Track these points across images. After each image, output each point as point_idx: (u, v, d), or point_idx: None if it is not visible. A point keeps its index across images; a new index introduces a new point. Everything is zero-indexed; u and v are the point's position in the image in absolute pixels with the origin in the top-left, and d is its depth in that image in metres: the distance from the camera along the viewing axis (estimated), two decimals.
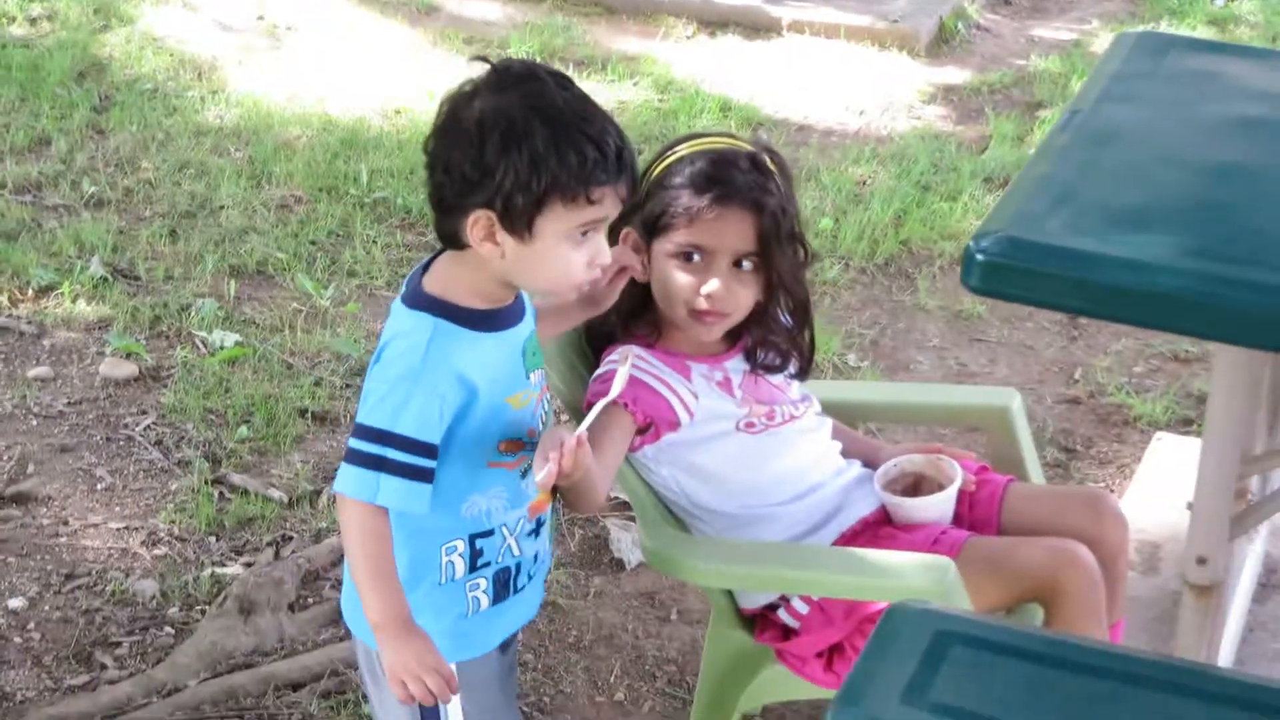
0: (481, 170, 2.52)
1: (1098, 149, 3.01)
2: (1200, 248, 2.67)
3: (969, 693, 2.42)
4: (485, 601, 2.77)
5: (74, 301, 5.30)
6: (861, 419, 3.83)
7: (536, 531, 2.83)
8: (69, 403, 4.80)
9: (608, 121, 2.58)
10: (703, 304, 3.16)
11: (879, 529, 3.31)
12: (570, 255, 2.60)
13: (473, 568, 2.73)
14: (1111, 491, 4.58)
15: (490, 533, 2.74)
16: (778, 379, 3.33)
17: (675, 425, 3.18)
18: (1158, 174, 2.95)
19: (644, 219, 3.16)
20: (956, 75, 7.66)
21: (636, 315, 3.24)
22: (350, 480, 2.57)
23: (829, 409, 3.45)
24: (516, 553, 2.79)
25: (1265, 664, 3.90)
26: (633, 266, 3.11)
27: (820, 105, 7.25)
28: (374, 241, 5.77)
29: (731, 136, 3.28)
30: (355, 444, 2.58)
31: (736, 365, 3.29)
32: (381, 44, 7.75)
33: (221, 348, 5.06)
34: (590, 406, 2.85)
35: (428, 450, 2.58)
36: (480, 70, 2.62)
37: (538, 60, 2.67)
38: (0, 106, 6.73)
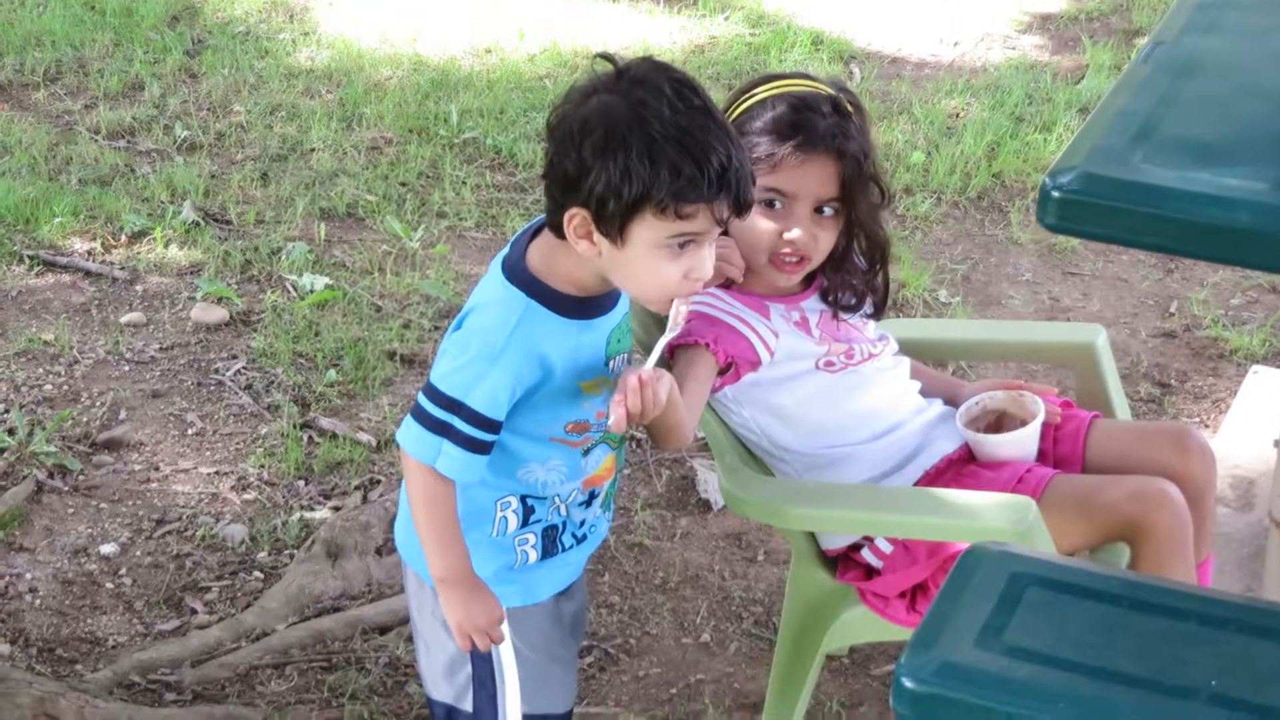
0: (580, 170, 2.53)
1: (1179, 81, 2.94)
2: (1277, 180, 2.61)
3: (1044, 635, 2.40)
4: (534, 555, 2.80)
5: (166, 246, 5.33)
6: (943, 357, 3.81)
7: (589, 502, 2.85)
8: (160, 348, 4.84)
9: (718, 140, 2.54)
10: (785, 250, 3.13)
11: (963, 467, 3.28)
12: (664, 266, 2.58)
13: (524, 523, 2.78)
14: (1206, 427, 4.53)
15: (544, 498, 2.78)
16: (854, 319, 3.31)
17: (756, 364, 3.16)
18: (1240, 106, 2.89)
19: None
20: (1053, 3, 7.55)
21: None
22: (414, 439, 2.62)
23: (909, 348, 3.42)
24: (563, 513, 2.81)
25: None
26: (733, 274, 3.08)
27: (914, 37, 7.17)
28: (463, 182, 5.77)
29: (807, 78, 3.24)
30: (424, 403, 2.61)
31: (813, 305, 3.26)
32: None
33: (311, 291, 5.07)
34: (672, 351, 2.84)
35: (493, 426, 2.61)
36: (604, 69, 2.61)
37: (667, 63, 2.62)
38: (95, 52, 6.76)
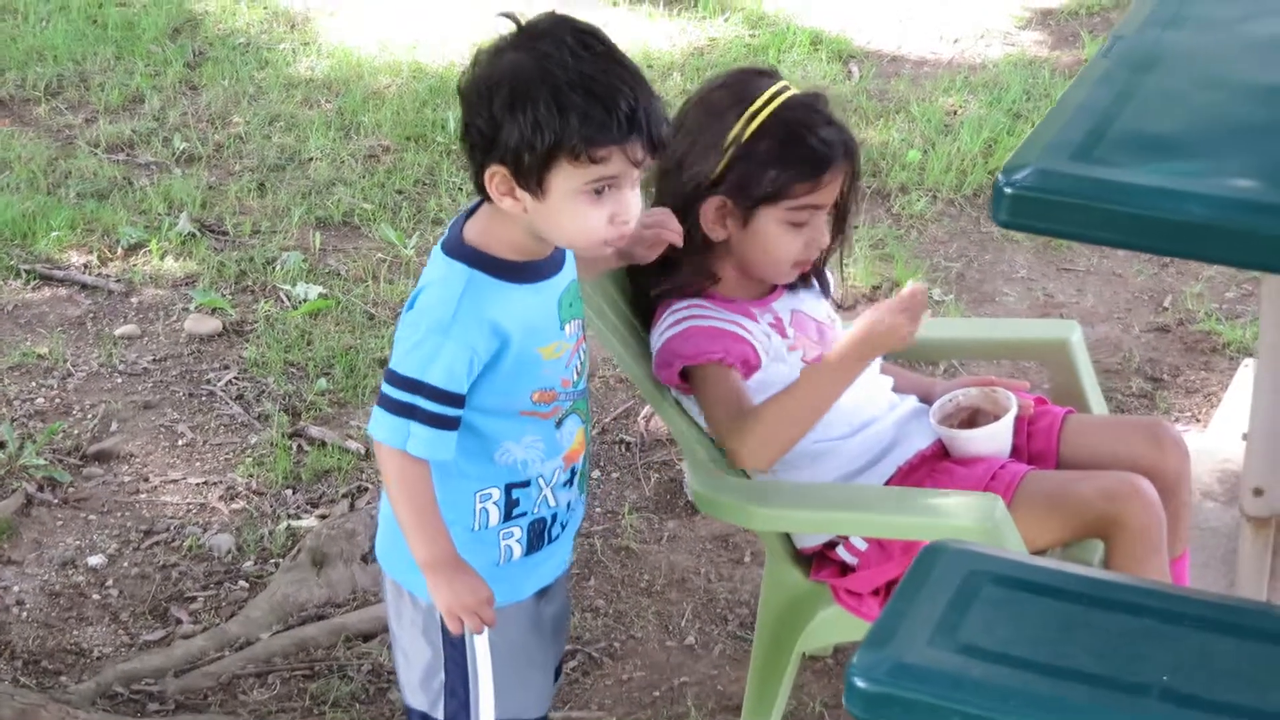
0: (492, 128, 2.56)
1: (1138, 75, 2.94)
2: (1232, 173, 2.60)
3: (1000, 633, 2.40)
4: (518, 550, 2.80)
5: (162, 259, 5.35)
6: (916, 358, 3.81)
7: (571, 481, 2.84)
8: (154, 360, 4.86)
9: (624, 82, 2.58)
10: (805, 258, 3.18)
11: (936, 463, 3.28)
12: (587, 211, 2.60)
13: (507, 516, 2.77)
14: (1198, 421, 4.52)
15: (527, 483, 2.76)
16: (822, 315, 3.32)
17: (756, 367, 3.17)
18: (1197, 99, 2.88)
19: (743, 188, 3.13)
20: (1054, 1, 7.53)
21: (691, 270, 3.21)
22: (383, 426, 2.63)
23: None
24: (552, 503, 2.81)
25: None
26: (672, 239, 3.09)
27: (914, 35, 7.16)
28: (460, 189, 5.78)
29: (766, 73, 3.25)
30: (387, 390, 2.63)
31: (783, 305, 3.28)
32: None
33: (305, 300, 5.09)
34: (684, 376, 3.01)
35: (456, 400, 2.62)
36: (508, 27, 2.63)
37: (568, 15, 2.64)
38: (96, 66, 6.78)
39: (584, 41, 2.58)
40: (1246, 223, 2.52)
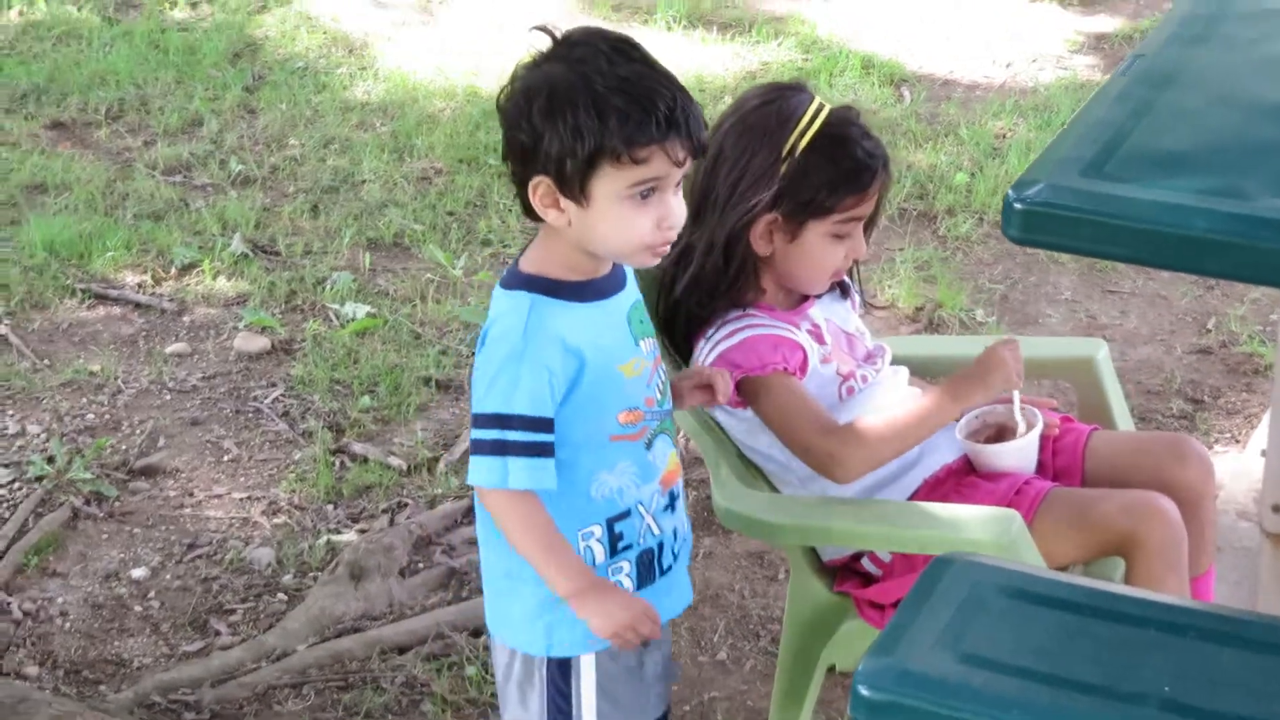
0: (533, 138, 2.56)
1: (1155, 92, 2.96)
2: (1241, 189, 2.62)
3: (1003, 643, 2.43)
4: (629, 585, 2.75)
5: (214, 278, 5.43)
6: (942, 374, 3.81)
7: (671, 505, 2.81)
8: (203, 377, 4.93)
9: (661, 84, 2.58)
10: (843, 267, 3.26)
11: (962, 478, 3.30)
12: (632, 217, 2.60)
13: (613, 552, 2.73)
14: (1237, 442, 4.52)
15: (626, 514, 2.73)
16: (851, 327, 3.36)
17: (806, 370, 3.20)
18: (1212, 116, 2.90)
19: (795, 203, 3.17)
20: (1108, 23, 7.55)
21: (738, 284, 3.25)
22: (481, 471, 2.61)
23: (910, 364, 3.44)
24: (657, 531, 2.77)
25: None
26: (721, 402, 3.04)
27: (966, 59, 7.18)
28: (509, 211, 5.83)
29: (790, 87, 3.28)
30: (477, 434, 2.61)
31: (817, 314, 3.31)
32: (530, 13, 7.78)
33: (353, 319, 5.15)
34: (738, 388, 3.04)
35: (545, 425, 2.60)
36: (544, 41, 2.65)
37: (604, 28, 2.67)
38: (157, 90, 6.88)
39: (619, 49, 2.60)
40: (1251, 238, 2.54)
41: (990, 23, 7.56)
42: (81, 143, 6.47)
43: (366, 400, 4.75)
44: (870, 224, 3.29)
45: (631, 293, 2.77)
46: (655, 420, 2.75)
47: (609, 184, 2.57)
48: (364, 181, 6.09)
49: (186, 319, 5.24)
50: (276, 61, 7.20)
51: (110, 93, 6.81)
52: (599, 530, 2.71)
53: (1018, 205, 2.65)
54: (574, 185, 2.56)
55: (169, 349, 5.07)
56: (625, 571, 2.75)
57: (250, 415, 4.74)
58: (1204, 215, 2.56)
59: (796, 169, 3.17)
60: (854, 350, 3.36)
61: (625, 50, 2.61)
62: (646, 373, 2.74)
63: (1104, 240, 2.65)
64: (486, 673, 3.75)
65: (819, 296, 3.33)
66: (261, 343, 5.06)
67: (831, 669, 3.43)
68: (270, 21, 7.66)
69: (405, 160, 6.26)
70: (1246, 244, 2.53)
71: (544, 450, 2.60)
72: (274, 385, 4.87)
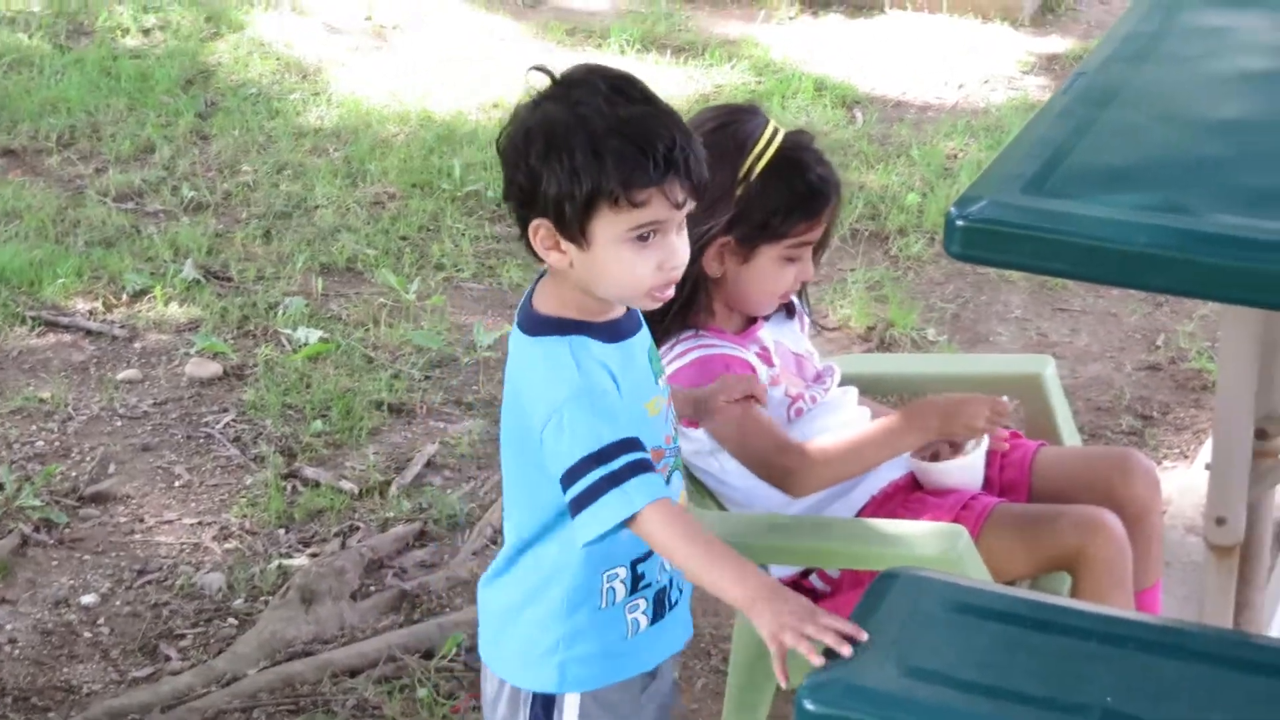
0: (531, 181, 2.52)
1: (1096, 110, 2.98)
2: (1181, 205, 2.64)
3: (947, 656, 2.43)
4: (645, 622, 2.72)
5: (166, 305, 5.42)
6: (892, 392, 3.83)
7: None
8: (154, 403, 4.92)
9: (660, 125, 2.52)
10: (792, 290, 3.27)
11: (909, 494, 3.32)
12: (633, 260, 2.55)
13: (633, 590, 2.70)
14: (1185, 458, 4.54)
15: (649, 554, 2.68)
16: (801, 349, 3.37)
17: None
18: (1153, 132, 2.92)
19: (748, 227, 3.18)
20: (1059, 44, 7.60)
21: (689, 305, 3.25)
22: (604, 514, 2.49)
23: (859, 383, 3.45)
24: (668, 567, 2.73)
25: None
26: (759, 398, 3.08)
27: (918, 81, 7.22)
28: (463, 234, 5.84)
29: (749, 111, 3.29)
30: (579, 486, 2.50)
31: (766, 336, 3.32)
32: (485, 39, 7.83)
33: (305, 344, 5.14)
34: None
35: (637, 444, 2.52)
36: (542, 81, 2.60)
37: (604, 66, 2.63)
38: (109, 117, 6.86)
39: (619, 88, 2.55)
40: (1192, 252, 2.55)
41: (942, 44, 7.60)
42: (32, 170, 6.45)
43: (318, 425, 4.74)
44: (820, 247, 3.30)
45: (646, 334, 2.74)
46: (673, 457, 2.73)
47: (608, 227, 2.52)
48: (317, 207, 6.09)
49: (138, 345, 5.23)
50: (229, 88, 7.20)
51: (61, 120, 6.79)
52: (623, 571, 2.67)
53: (960, 222, 2.68)
54: (573, 228, 2.52)
55: (120, 375, 5.05)
56: (642, 609, 2.72)
57: (201, 441, 4.73)
58: (1145, 230, 2.58)
59: (751, 193, 3.18)
60: (803, 371, 3.38)
61: (625, 90, 2.56)
62: (664, 410, 2.72)
63: (1046, 256, 2.67)
64: (438, 694, 3.75)
65: (767, 318, 3.34)
66: (213, 368, 5.05)
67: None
68: (223, 48, 7.66)
69: (358, 185, 6.26)
70: (1188, 259, 2.54)
71: (649, 466, 2.52)
72: (226, 410, 4.86)
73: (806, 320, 3.46)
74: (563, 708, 2.72)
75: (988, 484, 3.35)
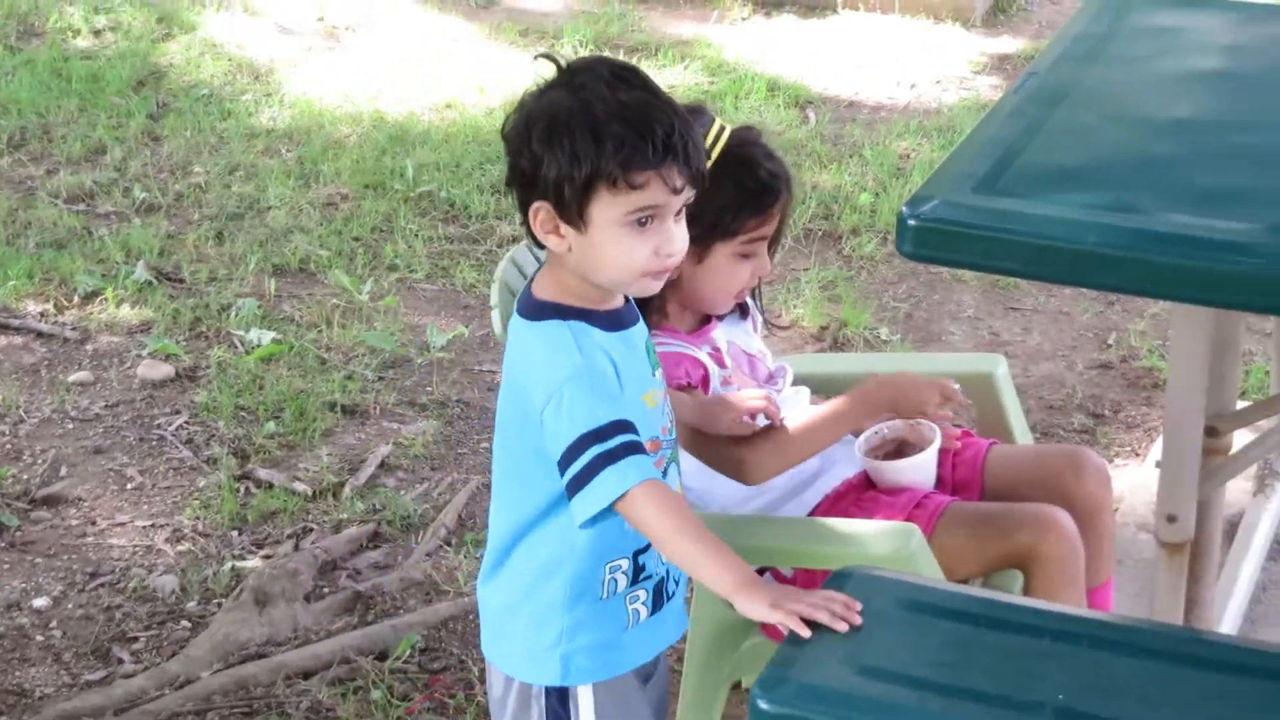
0: (533, 164, 2.55)
1: (1047, 110, 3.00)
2: (1130, 204, 2.66)
3: (901, 655, 2.44)
4: (645, 613, 2.74)
5: (117, 306, 5.40)
6: (842, 391, 3.83)
7: None
8: (106, 405, 4.90)
9: (661, 112, 2.56)
10: (749, 286, 3.26)
11: (862, 493, 3.33)
12: (631, 244, 2.57)
13: (634, 581, 2.71)
14: (1137, 455, 4.57)
15: (649, 545, 2.68)
16: (753, 349, 3.37)
17: (708, 388, 3.21)
18: (1103, 133, 2.94)
19: (704, 225, 3.14)
20: (1011, 44, 7.63)
21: (644, 305, 3.25)
22: (600, 490, 2.51)
23: (811, 383, 3.46)
24: (665, 559, 2.74)
25: (1277, 622, 3.87)
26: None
27: (871, 81, 7.24)
28: (416, 235, 5.83)
29: (691, 109, 3.29)
30: (576, 465, 2.52)
31: (719, 336, 3.32)
32: (438, 40, 7.82)
33: (258, 346, 5.13)
34: None
35: (632, 426, 2.55)
36: (549, 69, 2.63)
37: (605, 54, 2.64)
38: (60, 118, 6.84)
39: (621, 75, 2.58)
40: (1142, 251, 2.58)
41: (895, 45, 7.62)
42: None
43: (271, 426, 4.73)
44: (774, 241, 3.30)
45: (643, 326, 2.75)
46: (669, 449, 2.74)
47: (607, 210, 2.55)
48: (269, 208, 6.07)
49: (89, 347, 5.20)
50: (181, 89, 7.17)
51: (12, 121, 6.77)
52: (625, 563, 2.69)
53: (912, 222, 2.70)
54: (572, 210, 2.55)
55: (71, 378, 5.03)
56: (642, 600, 2.74)
57: (154, 443, 4.71)
58: (1096, 230, 2.60)
59: (701, 192, 3.18)
60: (755, 372, 3.38)
61: (627, 77, 2.59)
62: (661, 402, 2.74)
63: (997, 255, 2.69)
64: (392, 696, 3.74)
65: (721, 318, 3.34)
66: (165, 370, 5.04)
67: (737, 685, 3.43)
68: (174, 49, 7.64)
69: (311, 186, 6.25)
70: (1138, 258, 2.57)
71: (643, 448, 2.54)
72: (178, 412, 4.85)
73: (759, 320, 3.46)
74: (578, 700, 2.73)
75: (940, 483, 3.36)
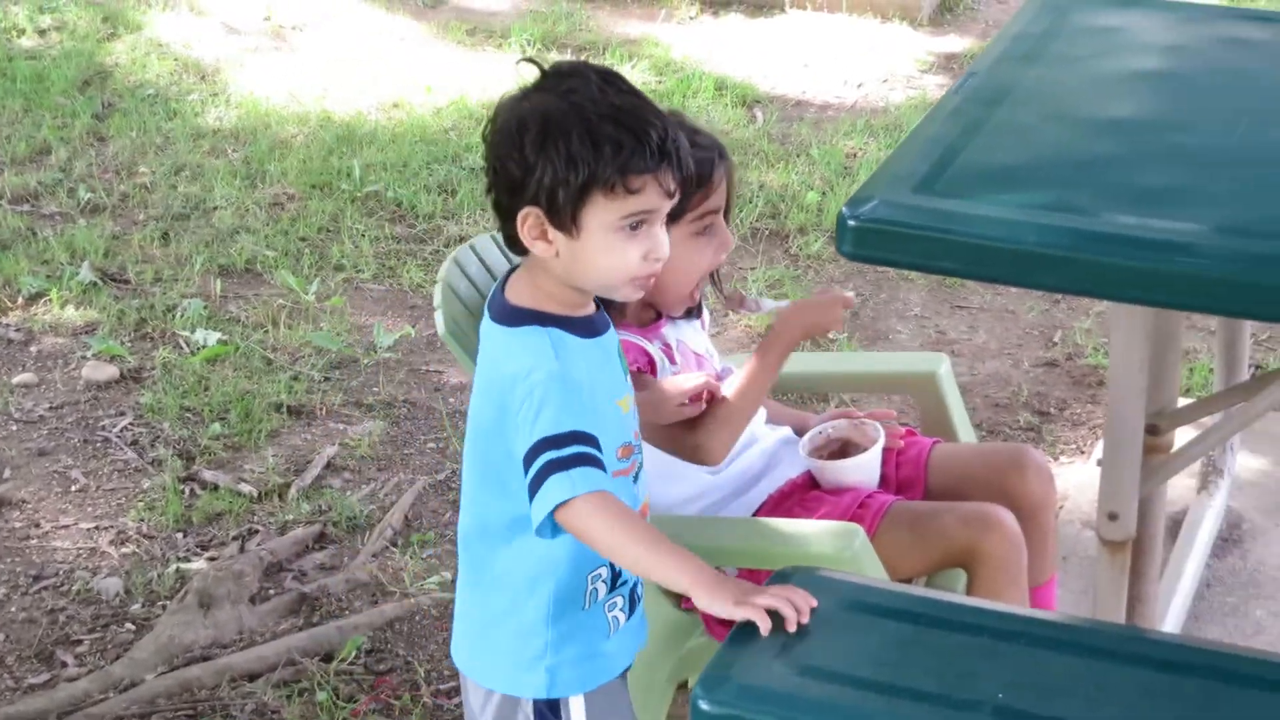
0: (524, 168, 2.52)
1: (987, 110, 3.01)
2: (1069, 203, 2.67)
3: (842, 655, 2.44)
4: (623, 619, 2.73)
5: (62, 307, 5.37)
6: (790, 390, 3.85)
7: None
8: (50, 407, 4.87)
9: (652, 114, 2.56)
10: (716, 261, 3.24)
11: (806, 492, 3.33)
12: (623, 248, 2.56)
13: (612, 587, 2.71)
14: (1082, 453, 4.58)
15: None
16: (701, 348, 3.37)
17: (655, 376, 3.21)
18: (1042, 132, 2.95)
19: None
20: (958, 43, 7.65)
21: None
22: (551, 493, 2.48)
23: None
24: (621, 566, 2.72)
25: (1220, 619, 3.89)
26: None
27: (818, 80, 7.26)
28: (363, 235, 5.82)
29: None
30: (531, 470, 2.50)
31: (669, 333, 3.31)
32: (385, 39, 7.80)
33: (203, 346, 5.11)
34: None
35: (593, 440, 2.52)
36: (531, 73, 2.61)
37: (583, 59, 2.63)
38: (4, 118, 6.81)
39: (609, 79, 2.57)
40: (1081, 251, 2.59)
41: (842, 44, 7.64)
42: None
43: (217, 427, 4.71)
44: (727, 211, 3.28)
45: (614, 332, 2.74)
46: (639, 454, 2.72)
47: (601, 214, 2.53)
48: (216, 208, 6.05)
49: (33, 349, 5.18)
50: (127, 89, 7.14)
51: None
52: (605, 571, 2.67)
53: (851, 222, 2.70)
54: (565, 215, 2.52)
55: (15, 379, 5.01)
56: (620, 606, 2.73)
57: (99, 444, 4.69)
58: (1035, 230, 2.61)
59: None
60: (703, 370, 3.37)
61: (615, 81, 2.58)
62: (633, 408, 2.73)
63: (936, 255, 2.70)
64: (338, 697, 3.73)
65: (673, 318, 3.33)
66: (110, 371, 5.01)
67: (683, 685, 3.43)
68: (120, 49, 7.61)
69: (257, 186, 6.23)
70: (1077, 257, 2.58)
71: (598, 462, 2.51)
72: (123, 414, 4.82)
73: (707, 318, 3.47)
74: (569, 708, 2.71)
75: (884, 482, 3.37)
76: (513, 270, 2.69)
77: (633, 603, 2.76)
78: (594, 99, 2.51)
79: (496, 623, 2.70)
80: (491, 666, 2.74)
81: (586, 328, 2.64)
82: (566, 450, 2.49)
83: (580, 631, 2.69)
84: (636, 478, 2.71)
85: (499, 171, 2.56)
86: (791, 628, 2.44)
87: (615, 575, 2.69)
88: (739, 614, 2.46)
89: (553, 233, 2.54)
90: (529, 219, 2.54)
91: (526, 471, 2.51)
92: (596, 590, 2.69)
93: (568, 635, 2.67)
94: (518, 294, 2.63)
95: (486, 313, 2.66)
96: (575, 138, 2.49)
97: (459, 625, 2.81)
